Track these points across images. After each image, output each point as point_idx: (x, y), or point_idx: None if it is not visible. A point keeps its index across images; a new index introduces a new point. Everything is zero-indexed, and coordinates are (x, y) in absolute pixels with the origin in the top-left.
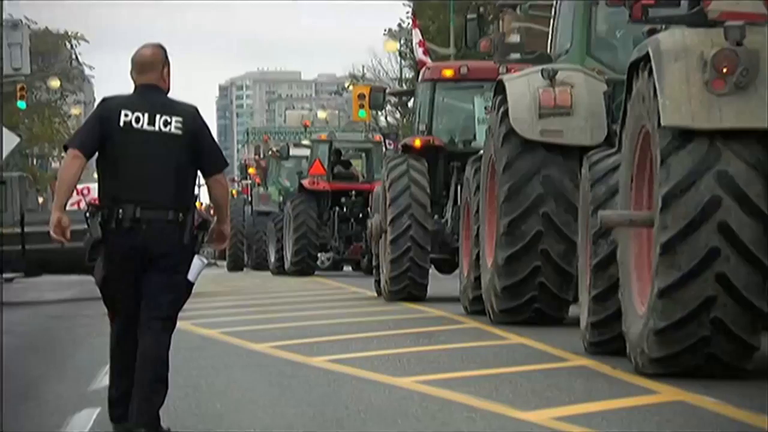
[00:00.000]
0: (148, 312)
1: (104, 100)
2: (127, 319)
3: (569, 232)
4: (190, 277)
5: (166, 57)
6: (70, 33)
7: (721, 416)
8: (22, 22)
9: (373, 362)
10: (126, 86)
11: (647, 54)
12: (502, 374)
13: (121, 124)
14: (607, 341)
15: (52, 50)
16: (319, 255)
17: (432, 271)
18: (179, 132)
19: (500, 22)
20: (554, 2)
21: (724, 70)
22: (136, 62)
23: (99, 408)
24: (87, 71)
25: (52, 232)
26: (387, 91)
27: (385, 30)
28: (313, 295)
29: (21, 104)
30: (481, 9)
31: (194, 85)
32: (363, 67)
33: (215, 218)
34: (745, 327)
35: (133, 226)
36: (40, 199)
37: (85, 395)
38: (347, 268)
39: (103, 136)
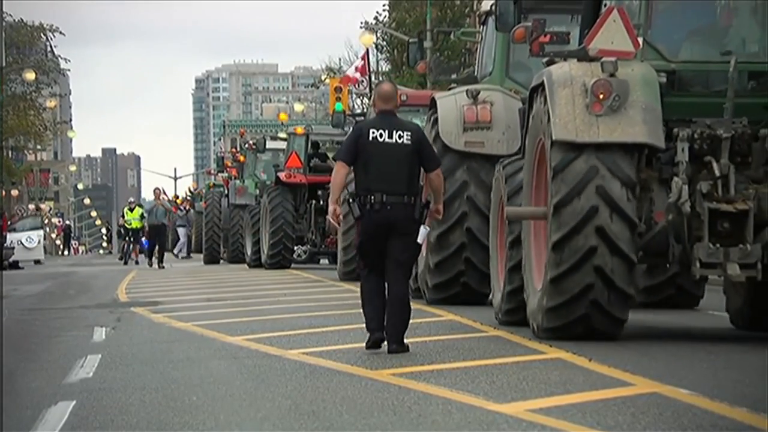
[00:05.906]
0: (394, 265)
1: (357, 123)
2: (374, 272)
3: (488, 241)
4: (419, 240)
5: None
6: (45, 25)
7: (695, 407)
8: None
9: (349, 355)
10: (100, 79)
11: (543, 82)
12: (479, 366)
13: (370, 138)
14: (518, 308)
15: (28, 42)
16: (295, 248)
17: None
18: (409, 142)
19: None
20: (479, 31)
21: (601, 96)
22: (381, 95)
23: (74, 401)
24: (62, 64)
25: (330, 219)
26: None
27: (361, 23)
28: (289, 287)
29: None
30: (421, 35)
31: (171, 77)
32: (340, 59)
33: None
34: (616, 306)
35: (380, 208)
36: (15, 192)
37: (60, 388)
38: (324, 261)
39: (358, 148)
